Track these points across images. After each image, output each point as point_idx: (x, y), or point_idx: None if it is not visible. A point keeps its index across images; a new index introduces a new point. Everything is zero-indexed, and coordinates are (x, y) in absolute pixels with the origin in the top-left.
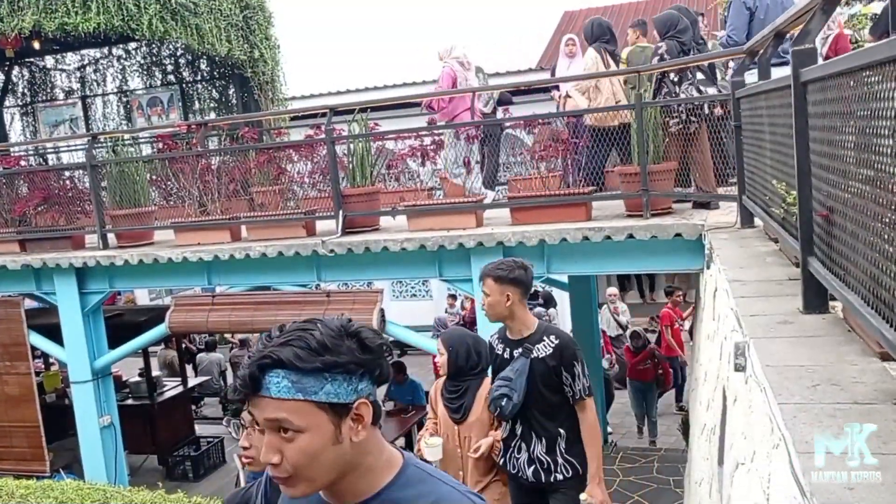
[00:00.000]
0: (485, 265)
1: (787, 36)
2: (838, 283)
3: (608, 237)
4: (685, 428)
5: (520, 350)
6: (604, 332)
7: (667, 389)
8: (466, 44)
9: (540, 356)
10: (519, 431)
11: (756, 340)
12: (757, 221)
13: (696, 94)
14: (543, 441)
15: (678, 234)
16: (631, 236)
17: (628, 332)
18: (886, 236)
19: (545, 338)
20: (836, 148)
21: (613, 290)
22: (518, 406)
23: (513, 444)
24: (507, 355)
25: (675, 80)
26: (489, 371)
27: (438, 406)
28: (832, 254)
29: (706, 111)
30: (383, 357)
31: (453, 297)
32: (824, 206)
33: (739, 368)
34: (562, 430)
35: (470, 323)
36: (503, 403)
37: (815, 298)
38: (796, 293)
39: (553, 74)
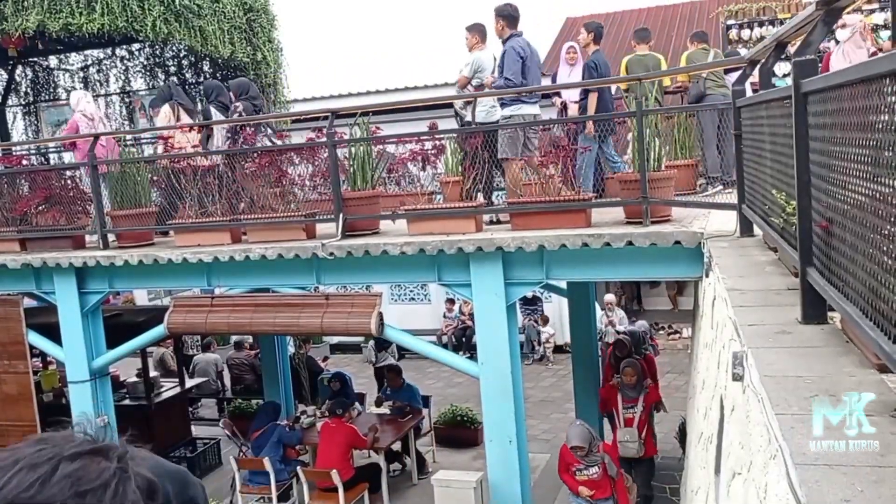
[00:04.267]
0: None
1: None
2: (837, 294)
3: (607, 244)
4: (682, 436)
5: None
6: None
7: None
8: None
9: None
10: None
11: (754, 350)
12: (756, 230)
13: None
14: None
15: (677, 242)
16: (630, 243)
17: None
18: (885, 248)
19: None
20: (836, 159)
21: (611, 297)
22: None
23: None
24: None
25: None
26: None
27: None
28: (831, 265)
29: None
30: None
31: (451, 301)
32: (824, 216)
33: (737, 378)
34: None
35: (467, 328)
36: None
37: (814, 309)
38: (795, 303)
39: (554, 81)
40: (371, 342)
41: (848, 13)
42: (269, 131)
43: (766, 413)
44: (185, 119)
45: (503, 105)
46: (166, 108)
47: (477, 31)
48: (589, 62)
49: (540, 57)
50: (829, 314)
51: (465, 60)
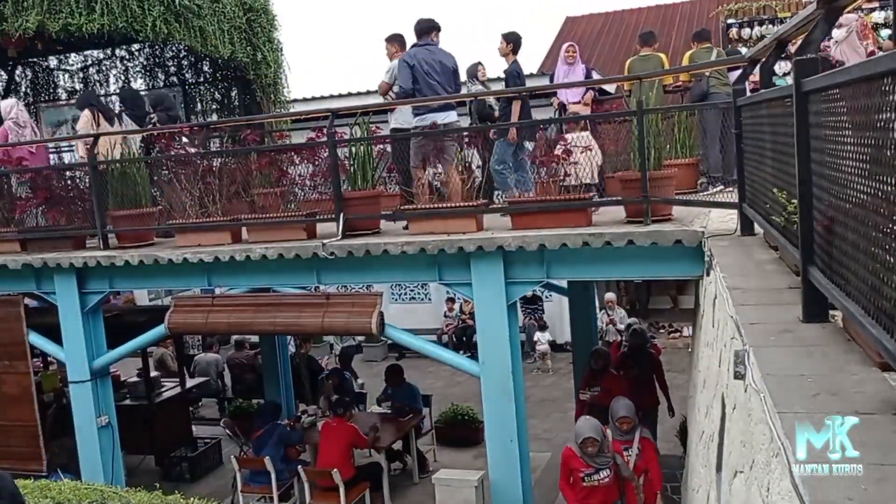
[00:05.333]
0: None
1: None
2: (839, 293)
3: (608, 243)
4: (683, 434)
5: None
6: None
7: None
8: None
9: None
10: None
11: (756, 349)
12: (757, 229)
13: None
14: None
15: (678, 241)
16: (631, 242)
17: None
18: (887, 246)
19: None
20: (837, 157)
21: (611, 295)
22: None
23: None
24: None
25: None
26: None
27: None
28: (832, 263)
29: None
30: None
31: (452, 300)
32: (825, 215)
33: (739, 376)
34: None
35: (467, 327)
36: None
37: (815, 307)
38: (796, 302)
39: (552, 81)
40: None
41: (848, 12)
42: (185, 140)
43: (768, 411)
44: (104, 125)
45: (415, 114)
46: (87, 112)
47: (396, 41)
48: (511, 71)
49: (455, 65)
50: (831, 313)
51: (385, 68)
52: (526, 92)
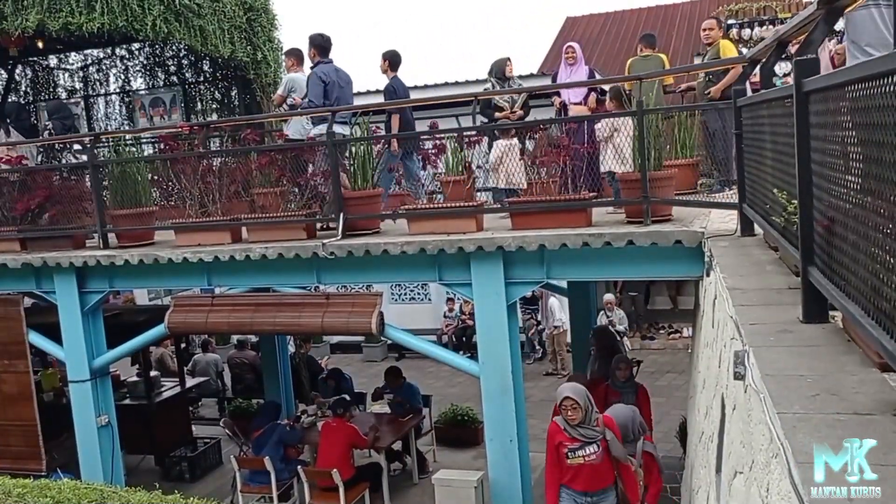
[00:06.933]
0: None
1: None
2: (838, 293)
3: (608, 243)
4: (682, 434)
5: None
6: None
7: None
8: None
9: None
10: None
11: (756, 349)
12: (757, 229)
13: None
14: None
15: (678, 241)
16: (631, 243)
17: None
18: (887, 247)
19: None
20: (838, 158)
21: (610, 297)
22: None
23: None
24: None
25: None
26: None
27: None
28: (832, 263)
29: None
30: None
31: (452, 300)
32: (825, 215)
33: (739, 377)
34: None
35: (467, 328)
36: None
37: (815, 308)
38: (796, 302)
39: (554, 81)
40: None
41: (848, 12)
42: (77, 147)
43: (767, 412)
44: (15, 135)
45: (314, 125)
46: None
47: (294, 55)
48: (388, 87)
49: (352, 81)
50: (831, 313)
51: (282, 81)
52: (530, 93)
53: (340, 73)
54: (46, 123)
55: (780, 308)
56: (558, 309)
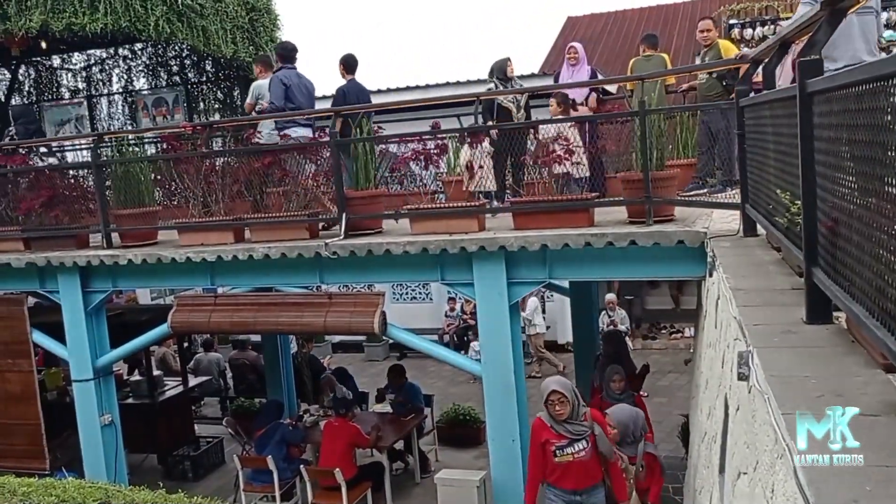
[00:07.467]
0: None
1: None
2: (842, 294)
3: (610, 243)
4: (685, 434)
5: None
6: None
7: None
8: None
9: None
10: None
11: (759, 350)
12: (760, 230)
13: None
14: None
15: (680, 242)
16: (633, 243)
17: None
18: (891, 247)
19: None
20: (841, 159)
21: (612, 296)
22: None
23: None
24: None
25: None
26: None
27: None
28: (836, 264)
29: None
30: None
31: (453, 300)
32: (829, 216)
33: (742, 377)
34: None
35: (469, 327)
36: None
37: (819, 309)
38: (800, 303)
39: (556, 81)
40: None
41: (851, 13)
42: (43, 150)
43: (772, 412)
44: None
45: (280, 128)
46: None
47: (262, 62)
48: (338, 90)
49: (312, 85)
50: (835, 314)
51: (250, 89)
52: (531, 93)
53: (303, 78)
54: (10, 129)
55: (784, 309)
56: (531, 311)
